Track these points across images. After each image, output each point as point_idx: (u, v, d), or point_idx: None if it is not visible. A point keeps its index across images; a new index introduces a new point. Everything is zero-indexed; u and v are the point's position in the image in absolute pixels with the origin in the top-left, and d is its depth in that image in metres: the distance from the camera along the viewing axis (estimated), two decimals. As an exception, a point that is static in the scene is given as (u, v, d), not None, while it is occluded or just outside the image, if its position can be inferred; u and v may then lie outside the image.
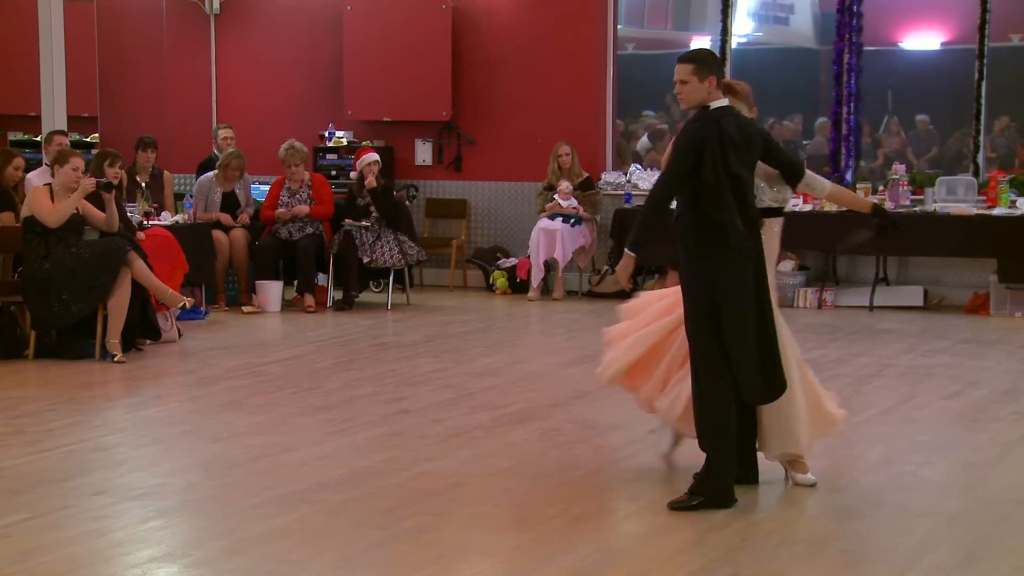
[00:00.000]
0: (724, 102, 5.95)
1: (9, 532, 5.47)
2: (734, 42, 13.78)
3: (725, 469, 5.88)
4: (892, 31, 15.45)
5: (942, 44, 15.37)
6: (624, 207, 13.12)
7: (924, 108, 15.27)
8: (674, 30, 17.18)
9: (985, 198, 12.23)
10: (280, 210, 12.38)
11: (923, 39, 15.45)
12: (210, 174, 12.66)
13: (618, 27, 14.01)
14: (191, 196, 12.53)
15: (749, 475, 6.21)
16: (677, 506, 5.85)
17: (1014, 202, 12.09)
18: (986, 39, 12.55)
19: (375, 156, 12.56)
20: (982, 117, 12.58)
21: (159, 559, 5.18)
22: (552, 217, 13.01)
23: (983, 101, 12.58)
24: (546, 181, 13.28)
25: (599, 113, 13.79)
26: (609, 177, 13.70)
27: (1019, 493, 6.14)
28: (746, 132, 5.94)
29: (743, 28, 15.39)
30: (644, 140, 15.21)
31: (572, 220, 12.96)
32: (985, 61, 12.54)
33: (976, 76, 12.55)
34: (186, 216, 12.03)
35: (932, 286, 12.59)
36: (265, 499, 5.98)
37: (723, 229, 5.75)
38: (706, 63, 5.92)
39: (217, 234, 12.22)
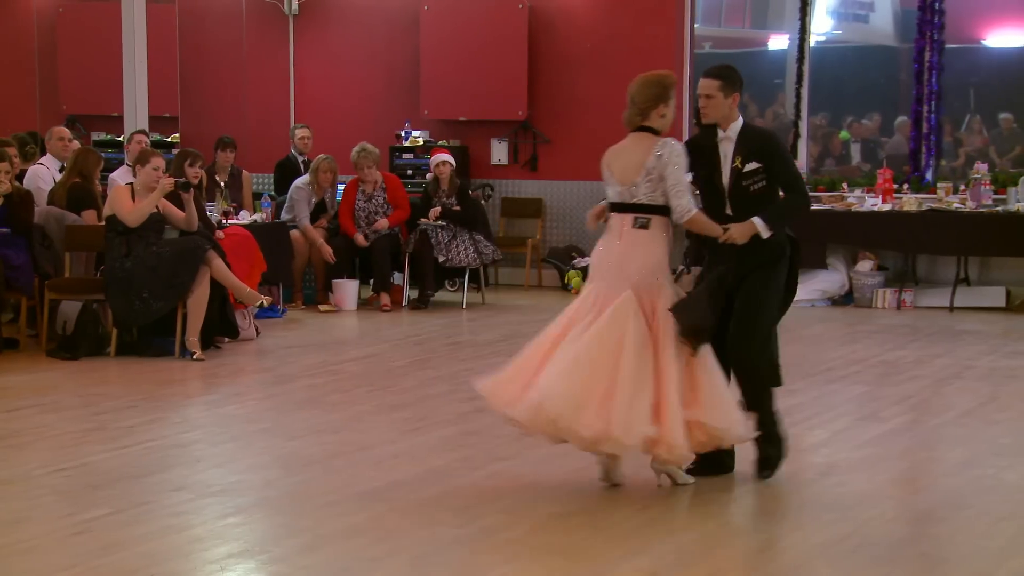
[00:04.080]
0: (741, 119, 6.19)
1: (90, 527, 5.54)
2: (812, 40, 13.65)
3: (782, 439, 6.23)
4: (975, 28, 15.23)
5: (1026, 41, 15.14)
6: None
7: (1007, 106, 15.04)
8: (752, 28, 17.07)
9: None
10: (358, 236, 12.26)
11: (1007, 36, 15.22)
12: (305, 181, 12.63)
13: (695, 25, 13.94)
14: (270, 196, 12.61)
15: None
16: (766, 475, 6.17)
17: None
18: (1071, 36, 12.34)
19: (446, 156, 12.55)
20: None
21: (237, 555, 5.23)
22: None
23: (1068, 100, 12.37)
24: (622, 180, 13.23)
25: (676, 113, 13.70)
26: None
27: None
28: None
29: (822, 26, 15.27)
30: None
31: (648, 219, 12.91)
32: (1070, 58, 12.33)
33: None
34: (264, 215, 12.13)
35: (1014, 287, 12.39)
36: (341, 496, 6.02)
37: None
38: (732, 80, 6.12)
39: (295, 234, 12.31)
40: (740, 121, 6.19)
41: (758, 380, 6.18)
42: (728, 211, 6.17)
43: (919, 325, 11.28)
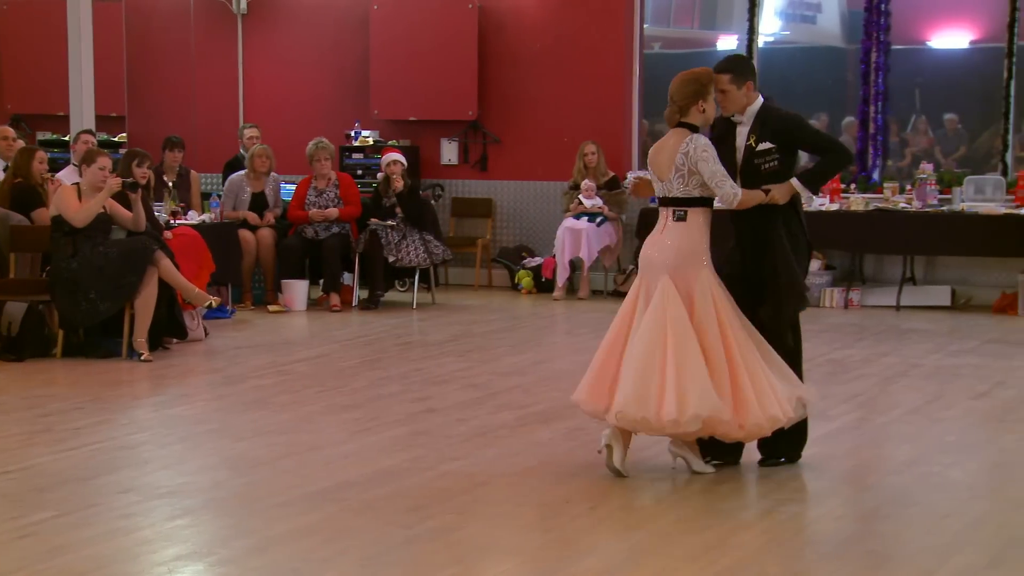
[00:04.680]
0: (761, 98, 6.38)
1: (36, 530, 5.49)
2: (761, 41, 13.73)
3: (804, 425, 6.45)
4: (920, 29, 15.38)
5: (971, 43, 15.29)
6: (650, 206, 13.09)
7: (952, 107, 15.19)
8: (700, 29, 17.15)
9: (1013, 197, 12.15)
10: (313, 210, 12.38)
11: (951, 37, 15.37)
12: (240, 173, 12.69)
13: (644, 26, 13.99)
14: (218, 195, 12.56)
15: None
16: (766, 463, 6.44)
17: (1043, 201, 12.01)
18: (1015, 37, 12.48)
19: (397, 156, 12.57)
20: (1011, 116, 12.50)
21: (185, 557, 5.20)
22: (577, 216, 13.01)
23: (1012, 100, 12.51)
24: (572, 180, 13.28)
25: (625, 112, 13.77)
26: (635, 176, 13.64)
27: (1047, 494, 6.10)
28: None
29: (770, 27, 15.35)
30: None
31: (598, 219, 12.95)
32: (1014, 59, 12.47)
33: (1005, 75, 12.48)
34: (213, 215, 12.07)
35: (959, 286, 12.52)
36: (290, 497, 6.00)
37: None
38: (741, 70, 6.35)
39: (244, 233, 12.26)
40: (758, 104, 6.40)
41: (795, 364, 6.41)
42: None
43: (866, 324, 11.38)
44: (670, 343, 6.08)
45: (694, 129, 6.29)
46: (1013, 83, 12.46)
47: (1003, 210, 11.96)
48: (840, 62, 16.21)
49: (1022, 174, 12.23)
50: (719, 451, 6.46)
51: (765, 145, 6.34)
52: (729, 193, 6.18)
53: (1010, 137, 12.64)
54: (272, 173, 12.72)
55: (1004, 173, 12.56)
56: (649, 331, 6.14)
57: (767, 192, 6.30)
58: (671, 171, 6.23)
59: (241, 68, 15.12)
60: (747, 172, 6.38)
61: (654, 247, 6.30)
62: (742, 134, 6.41)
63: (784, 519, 5.75)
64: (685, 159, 6.19)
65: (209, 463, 6.77)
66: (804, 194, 6.42)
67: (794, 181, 6.36)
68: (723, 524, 5.63)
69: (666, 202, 6.31)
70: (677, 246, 6.21)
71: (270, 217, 12.55)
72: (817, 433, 7.14)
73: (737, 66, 6.39)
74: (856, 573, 5.06)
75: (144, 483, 6.27)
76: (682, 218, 6.24)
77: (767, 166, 6.34)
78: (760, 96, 6.41)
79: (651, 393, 6.07)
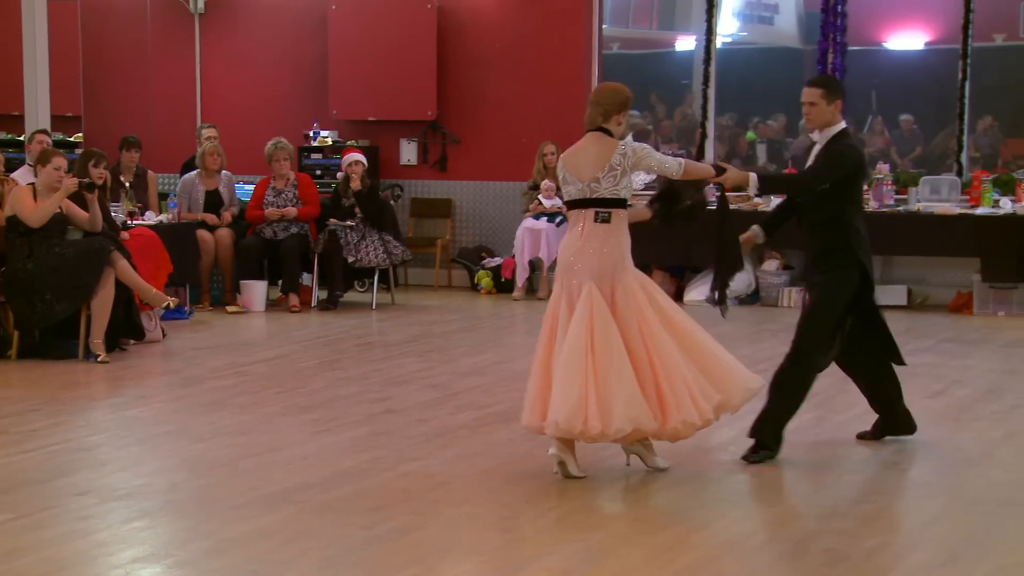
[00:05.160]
0: (843, 124, 6.68)
1: (-8, 533, 5.45)
2: (719, 42, 13.79)
3: (785, 420, 6.66)
4: (876, 31, 15.51)
5: (926, 44, 15.44)
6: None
7: (908, 108, 15.33)
8: (659, 30, 17.21)
9: (968, 197, 12.27)
10: (270, 209, 12.35)
11: (907, 39, 15.51)
12: (193, 173, 12.65)
13: (603, 27, 14.02)
14: (175, 196, 12.51)
15: (909, 427, 6.98)
16: (752, 459, 6.56)
17: (997, 201, 12.12)
18: (969, 39, 12.58)
19: (359, 156, 12.56)
20: (965, 117, 12.61)
21: (142, 559, 5.17)
22: (537, 217, 13.03)
23: (966, 101, 12.61)
24: (531, 181, 13.29)
25: (584, 113, 13.77)
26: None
27: (1001, 492, 6.16)
28: None
29: (728, 28, 15.43)
30: (629, 139, 15.23)
31: (557, 219, 12.97)
32: (968, 61, 12.58)
33: (960, 76, 12.59)
34: (170, 216, 12.01)
35: (915, 285, 12.62)
36: (249, 499, 5.97)
37: (865, 238, 6.69)
38: (833, 89, 6.70)
39: (202, 233, 12.20)
40: (836, 128, 6.68)
41: (800, 366, 6.67)
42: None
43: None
44: (596, 352, 6.06)
45: (610, 135, 6.35)
46: (968, 84, 12.57)
47: (958, 210, 12.06)
48: (797, 63, 16.33)
49: (977, 174, 12.35)
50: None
51: None
52: (673, 165, 6.37)
53: (965, 138, 12.76)
54: (224, 171, 12.67)
55: (959, 173, 12.67)
56: (574, 341, 6.09)
57: (719, 170, 6.55)
58: (601, 171, 6.22)
59: (198, 68, 15.05)
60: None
61: (574, 254, 6.24)
62: (813, 153, 6.75)
63: (742, 518, 5.78)
64: (623, 159, 6.23)
65: (167, 465, 6.74)
66: (752, 189, 6.59)
67: (752, 175, 6.60)
68: (681, 524, 5.65)
69: (586, 204, 6.26)
70: (601, 251, 6.19)
71: (227, 216, 12.50)
72: (775, 432, 7.18)
73: (830, 83, 6.75)
74: (813, 572, 5.09)
75: (101, 485, 6.23)
76: (606, 219, 6.23)
77: (821, 186, 6.62)
78: (843, 122, 6.71)
79: (578, 405, 6.03)
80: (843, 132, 6.71)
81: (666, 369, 6.13)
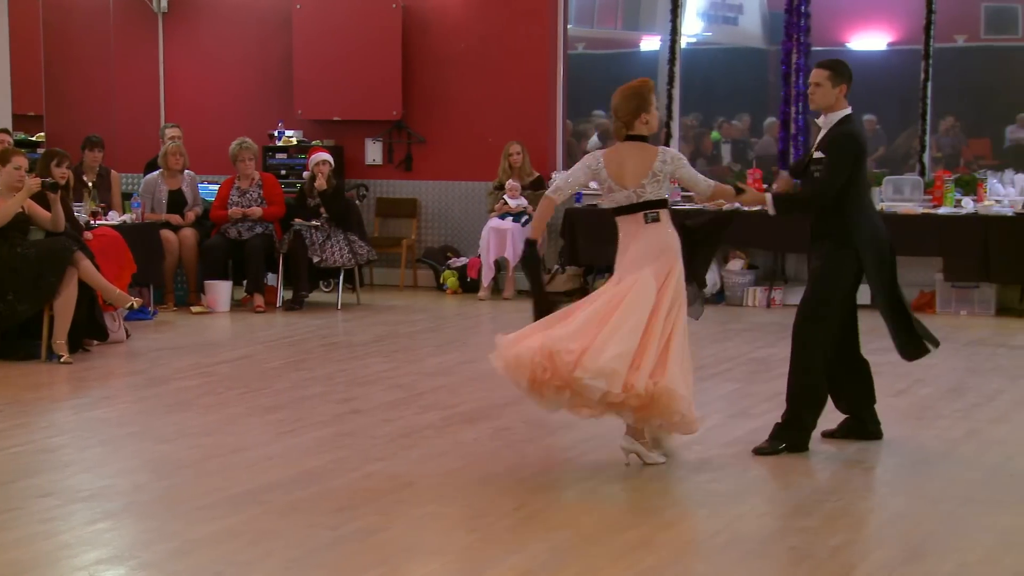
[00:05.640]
0: (849, 110, 6.72)
1: (-47, 535, 5.41)
2: (683, 42, 13.83)
3: (810, 423, 6.78)
4: (839, 31, 15.59)
5: (888, 45, 15.53)
6: (575, 206, 13.15)
7: (871, 108, 15.41)
8: (624, 30, 17.25)
9: (931, 197, 12.35)
10: (234, 208, 12.31)
11: (870, 39, 15.59)
12: (156, 173, 12.59)
13: (568, 26, 14.03)
14: (139, 195, 12.44)
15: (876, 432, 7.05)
16: (762, 451, 6.71)
17: (959, 201, 12.21)
18: (931, 40, 12.67)
19: (326, 156, 12.53)
20: (928, 117, 12.69)
21: (106, 561, 5.14)
22: (502, 216, 13.03)
23: (929, 101, 12.70)
24: (497, 180, 13.30)
25: (549, 112, 13.81)
26: (560, 176, 13.70)
27: (964, 490, 6.20)
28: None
29: (692, 28, 15.48)
30: (594, 139, 15.27)
31: (523, 219, 12.98)
32: (931, 62, 12.66)
33: (922, 76, 12.67)
34: (134, 216, 11.95)
35: (879, 285, 12.67)
36: (214, 500, 5.95)
37: (866, 220, 6.79)
38: (840, 72, 6.73)
39: (166, 233, 12.15)
40: (842, 113, 6.74)
41: (801, 354, 6.82)
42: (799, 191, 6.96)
43: (788, 323, 11.31)
44: (620, 310, 6.34)
45: (644, 139, 6.60)
46: (930, 85, 12.65)
47: (921, 210, 12.14)
48: (761, 63, 16.39)
49: (939, 174, 12.43)
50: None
51: (819, 154, 6.72)
52: (705, 186, 6.70)
53: (927, 138, 12.84)
54: (188, 171, 12.62)
55: (922, 173, 12.75)
56: (634, 307, 6.37)
57: (739, 191, 6.84)
58: (644, 178, 6.51)
59: (162, 67, 14.97)
60: (805, 175, 6.82)
61: (632, 254, 6.54)
62: (818, 138, 6.81)
63: (707, 517, 5.80)
64: (664, 166, 6.52)
65: (130, 466, 6.70)
66: (770, 211, 6.83)
67: (768, 196, 6.86)
68: (647, 523, 5.67)
69: (634, 208, 6.56)
70: (654, 243, 6.51)
71: (191, 216, 12.45)
72: (739, 431, 7.22)
73: (837, 67, 6.75)
74: (778, 570, 5.12)
75: (64, 487, 6.20)
76: (655, 219, 6.55)
77: (818, 174, 6.71)
78: (848, 107, 6.74)
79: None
80: (847, 117, 6.76)
81: (682, 349, 6.41)
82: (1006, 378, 8.94)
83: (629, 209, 6.57)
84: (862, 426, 7.10)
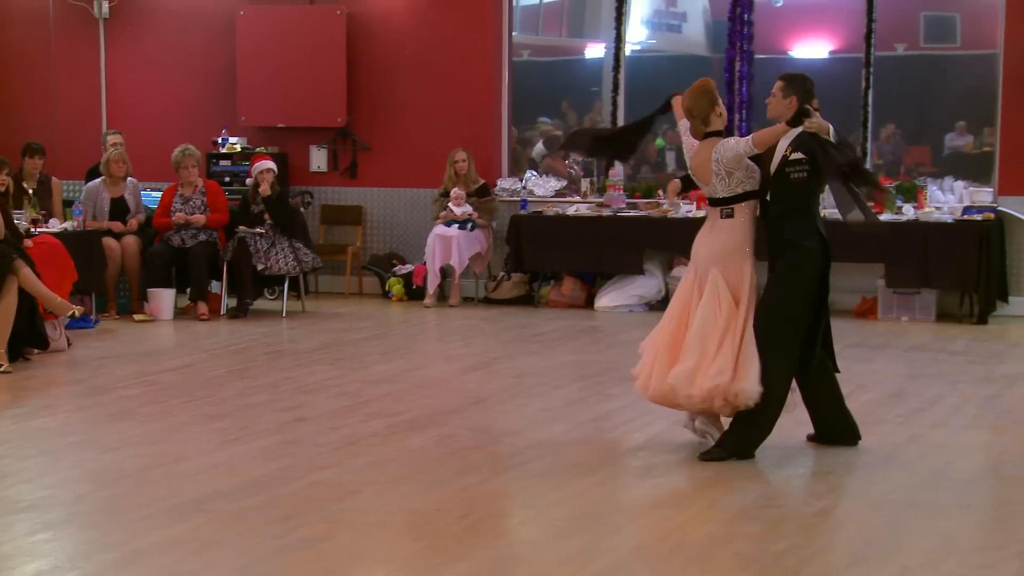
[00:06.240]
0: (799, 130, 6.76)
1: None
2: (628, 49, 13.90)
3: (764, 429, 6.80)
4: (782, 40, 15.71)
5: (830, 53, 15.66)
6: (520, 213, 13.16)
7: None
8: (569, 37, 17.29)
9: (873, 204, 12.44)
10: (177, 214, 12.23)
11: (812, 48, 15.72)
12: (98, 180, 12.48)
13: (513, 34, 14.06)
14: (80, 203, 12.33)
15: (851, 436, 7.12)
16: (709, 457, 6.76)
17: (901, 208, 12.34)
18: (872, 48, 12.81)
19: (270, 164, 12.49)
20: (869, 124, 12.83)
21: (47, 572, 5.09)
22: (448, 224, 13.02)
23: (870, 109, 12.83)
24: (442, 188, 13.29)
25: (495, 119, 13.83)
26: (505, 183, 13.74)
27: (905, 495, 6.26)
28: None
29: (637, 36, 15.54)
30: (539, 147, 15.29)
31: (469, 225, 12.98)
32: (871, 70, 12.80)
33: (863, 84, 12.80)
34: (75, 223, 11.84)
35: (822, 291, 12.76)
36: (157, 509, 5.90)
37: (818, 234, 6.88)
38: (792, 85, 6.85)
39: (108, 241, 12.04)
40: (799, 128, 6.80)
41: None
42: (768, 197, 6.91)
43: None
44: (721, 327, 6.73)
45: (720, 134, 6.92)
46: (871, 93, 12.78)
47: (862, 217, 12.23)
48: (705, 71, 16.45)
49: (881, 181, 12.54)
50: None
51: (798, 155, 6.77)
52: (744, 145, 6.79)
53: (868, 145, 12.97)
54: (130, 178, 12.52)
55: (863, 181, 12.85)
56: (701, 320, 6.77)
57: (803, 115, 6.71)
58: (711, 177, 6.84)
59: (104, 73, 14.85)
60: (778, 178, 6.85)
61: (703, 244, 6.91)
62: (782, 145, 6.85)
63: (653, 523, 5.82)
64: (719, 165, 6.80)
65: (72, 476, 6.63)
66: (832, 136, 6.67)
67: (831, 127, 6.69)
68: (592, 530, 5.68)
69: (714, 203, 6.92)
70: (723, 242, 6.83)
71: (134, 223, 12.35)
72: (684, 438, 7.25)
73: (791, 79, 6.88)
74: (723, 575, 5.14)
75: (3, 497, 6.12)
76: (730, 215, 6.86)
77: (796, 175, 6.78)
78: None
79: (698, 371, 6.71)
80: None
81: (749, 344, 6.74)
82: (946, 383, 9.04)
83: (711, 202, 6.94)
84: (834, 431, 7.14)
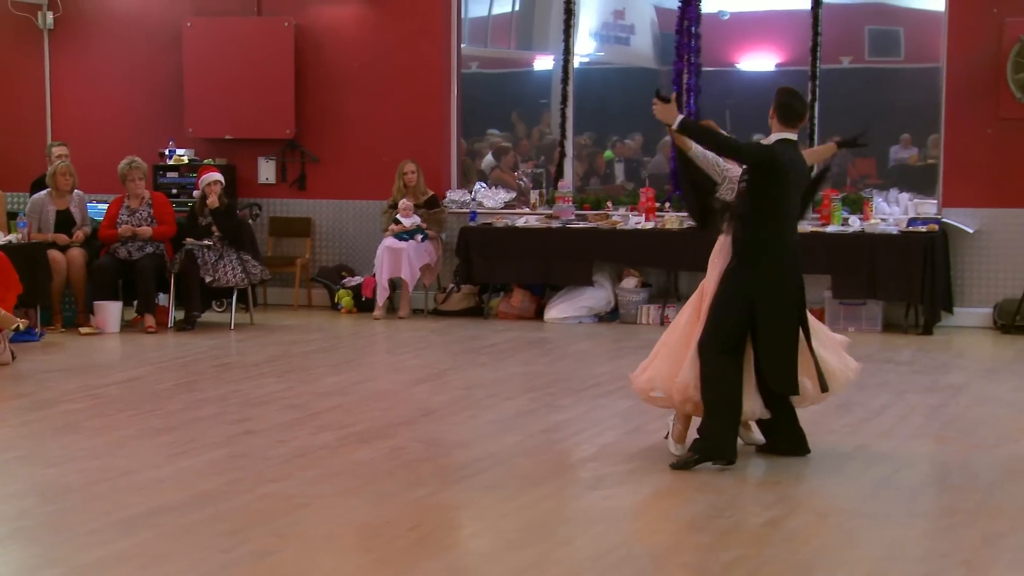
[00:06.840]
0: (782, 135, 7.08)
1: None
2: (576, 62, 13.94)
3: (725, 433, 6.83)
4: (729, 52, 15.81)
5: (776, 66, 15.77)
6: (469, 225, 13.16)
7: (761, 128, 15.49)
8: (517, 49, 17.32)
9: (819, 216, 12.56)
10: (124, 226, 12.13)
11: (758, 60, 15.83)
12: (43, 192, 12.37)
13: (462, 46, 14.07)
14: (24, 215, 12.21)
15: (800, 448, 7.18)
16: (680, 465, 6.82)
17: (847, 220, 12.45)
18: (818, 61, 12.92)
19: (217, 175, 12.42)
20: (815, 137, 12.91)
21: (-9, 589, 5.03)
22: (399, 237, 12.98)
23: (816, 122, 12.93)
24: (391, 199, 13.26)
25: (443, 131, 13.83)
26: (454, 195, 13.74)
27: (852, 504, 6.31)
28: (798, 162, 7.18)
29: (585, 48, 15.58)
30: (488, 158, 15.30)
31: (419, 236, 12.96)
32: (817, 83, 12.91)
33: (809, 97, 12.90)
34: (19, 236, 11.72)
35: (769, 302, 12.84)
36: (103, 524, 5.84)
37: (758, 247, 7.00)
38: (775, 98, 7.15)
39: (53, 253, 11.93)
40: (775, 137, 7.11)
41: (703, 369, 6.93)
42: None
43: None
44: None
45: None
46: (817, 105, 12.89)
47: (809, 228, 12.33)
48: (653, 83, 16.50)
49: (827, 193, 12.65)
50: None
51: (743, 167, 7.13)
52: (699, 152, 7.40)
53: (815, 157, 13.05)
54: (76, 190, 12.42)
55: (810, 192, 12.95)
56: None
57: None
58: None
59: (48, 84, 14.72)
60: (735, 190, 7.17)
61: (718, 250, 7.22)
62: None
63: (602, 534, 5.83)
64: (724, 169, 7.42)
65: (15, 491, 6.56)
66: (675, 123, 7.00)
67: (679, 121, 7.04)
68: (543, 541, 5.68)
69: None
70: (717, 252, 7.18)
71: (80, 235, 12.25)
72: (634, 448, 7.27)
73: (776, 95, 7.19)
74: (672, 585, 5.16)
75: (-53, 514, 6.04)
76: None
77: (740, 185, 7.08)
78: (784, 134, 7.11)
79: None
80: (778, 141, 7.05)
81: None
82: (892, 393, 9.12)
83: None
84: (784, 442, 7.21)
